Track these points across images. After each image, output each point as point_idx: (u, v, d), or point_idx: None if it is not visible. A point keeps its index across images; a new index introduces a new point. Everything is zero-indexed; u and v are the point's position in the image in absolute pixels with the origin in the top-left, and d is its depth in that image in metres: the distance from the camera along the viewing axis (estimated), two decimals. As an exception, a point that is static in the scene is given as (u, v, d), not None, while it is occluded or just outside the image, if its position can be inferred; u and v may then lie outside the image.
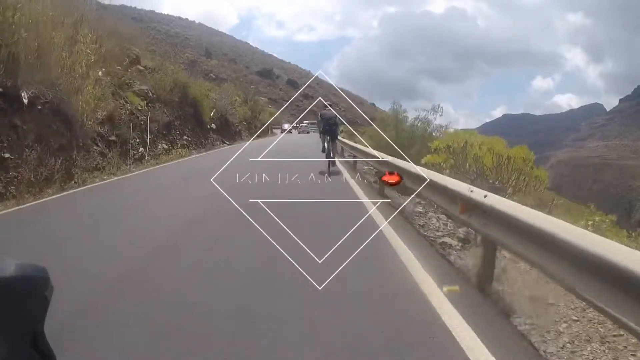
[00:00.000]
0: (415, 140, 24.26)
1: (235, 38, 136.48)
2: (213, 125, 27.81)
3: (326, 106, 12.50)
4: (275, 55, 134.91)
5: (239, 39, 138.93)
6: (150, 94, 17.63)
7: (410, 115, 28.47)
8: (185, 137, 21.10)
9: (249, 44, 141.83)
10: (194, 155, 18.85)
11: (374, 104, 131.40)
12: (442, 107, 26.86)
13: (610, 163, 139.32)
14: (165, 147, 17.26)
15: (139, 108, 16.01)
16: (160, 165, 14.14)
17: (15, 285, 0.61)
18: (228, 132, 31.76)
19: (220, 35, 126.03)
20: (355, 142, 14.91)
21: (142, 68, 19.85)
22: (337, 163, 12.46)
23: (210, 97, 29.14)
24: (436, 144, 14.21)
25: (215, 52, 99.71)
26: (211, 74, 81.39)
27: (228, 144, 28.55)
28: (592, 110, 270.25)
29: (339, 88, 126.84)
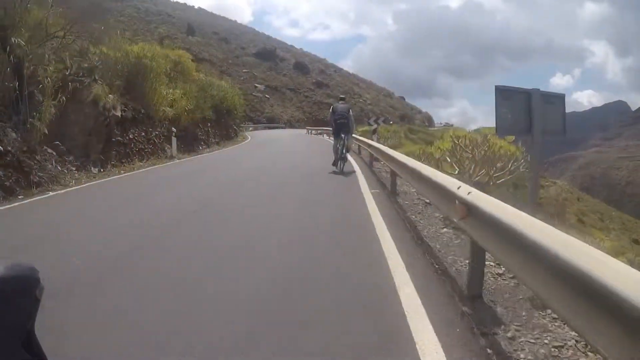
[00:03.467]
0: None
1: (237, 22, 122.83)
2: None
3: (341, 98, 12.49)
4: (285, 41, 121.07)
5: (240, 22, 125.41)
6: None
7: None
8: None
9: (249, 27, 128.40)
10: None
11: (403, 98, 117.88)
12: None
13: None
14: None
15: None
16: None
17: (4, 286, 0.62)
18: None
19: (212, 17, 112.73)
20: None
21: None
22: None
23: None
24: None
25: (203, 30, 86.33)
26: (189, 53, 68.06)
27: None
28: (616, 108, 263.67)
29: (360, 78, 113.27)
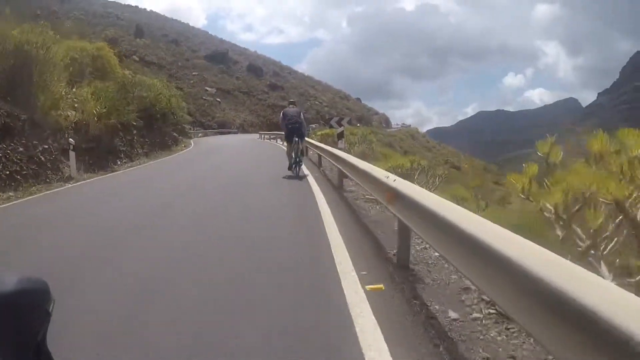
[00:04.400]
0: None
1: (189, 24, 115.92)
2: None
3: (291, 102, 12.33)
4: (237, 44, 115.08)
5: (191, 25, 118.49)
6: None
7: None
8: None
9: (201, 30, 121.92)
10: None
11: (359, 99, 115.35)
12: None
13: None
14: None
15: None
16: None
17: (16, 300, 0.62)
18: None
19: (164, 20, 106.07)
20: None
21: None
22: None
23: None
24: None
25: (152, 33, 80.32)
26: (134, 56, 62.73)
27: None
28: (567, 105, 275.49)
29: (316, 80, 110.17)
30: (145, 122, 19.19)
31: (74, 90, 13.31)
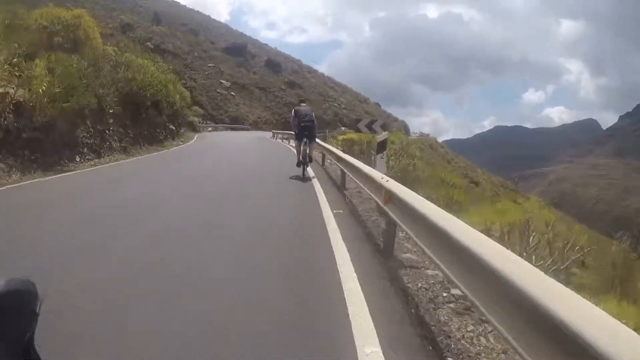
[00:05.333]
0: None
1: (210, 16, 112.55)
2: None
3: (302, 100, 12.13)
4: (258, 40, 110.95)
5: (213, 18, 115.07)
6: None
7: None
8: None
9: (222, 23, 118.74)
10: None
11: (378, 104, 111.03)
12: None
13: (613, 182, 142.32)
14: None
15: None
16: None
17: (3, 302, 0.62)
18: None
19: (185, 10, 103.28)
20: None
21: None
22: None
23: None
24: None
25: (171, 21, 77.19)
26: (149, 42, 59.71)
27: None
28: (587, 126, 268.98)
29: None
30: (132, 110, 15.77)
31: (15, 60, 9.88)
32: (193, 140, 25.19)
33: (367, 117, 13.67)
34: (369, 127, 12.19)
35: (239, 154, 17.62)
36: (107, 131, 13.44)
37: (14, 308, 0.62)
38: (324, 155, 13.83)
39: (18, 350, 0.63)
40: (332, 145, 13.64)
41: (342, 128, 37.28)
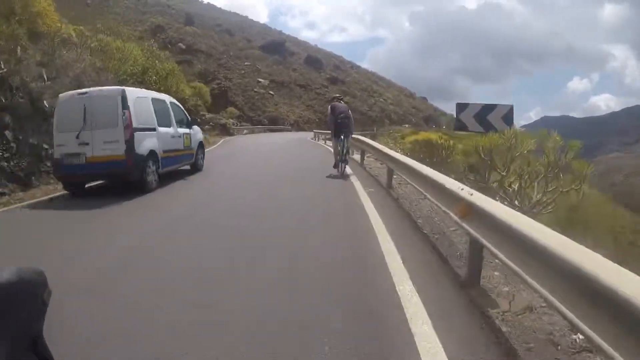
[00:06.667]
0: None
1: (248, 17, 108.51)
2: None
3: (337, 97, 11.59)
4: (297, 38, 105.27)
5: (251, 18, 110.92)
6: None
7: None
8: None
9: (260, 22, 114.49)
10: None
11: (425, 99, 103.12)
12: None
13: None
14: None
15: None
16: None
17: (12, 290, 0.61)
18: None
19: (220, 12, 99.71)
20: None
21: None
22: None
23: None
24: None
25: (204, 23, 73.50)
26: (180, 44, 56.03)
27: None
28: (635, 113, 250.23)
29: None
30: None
31: None
32: (215, 145, 20.07)
33: (477, 104, 7.32)
34: (482, 120, 6.33)
35: (270, 160, 12.36)
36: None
37: (24, 296, 0.62)
38: (362, 153, 12.58)
39: (26, 340, 0.62)
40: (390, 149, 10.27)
41: (406, 125, 31.01)
